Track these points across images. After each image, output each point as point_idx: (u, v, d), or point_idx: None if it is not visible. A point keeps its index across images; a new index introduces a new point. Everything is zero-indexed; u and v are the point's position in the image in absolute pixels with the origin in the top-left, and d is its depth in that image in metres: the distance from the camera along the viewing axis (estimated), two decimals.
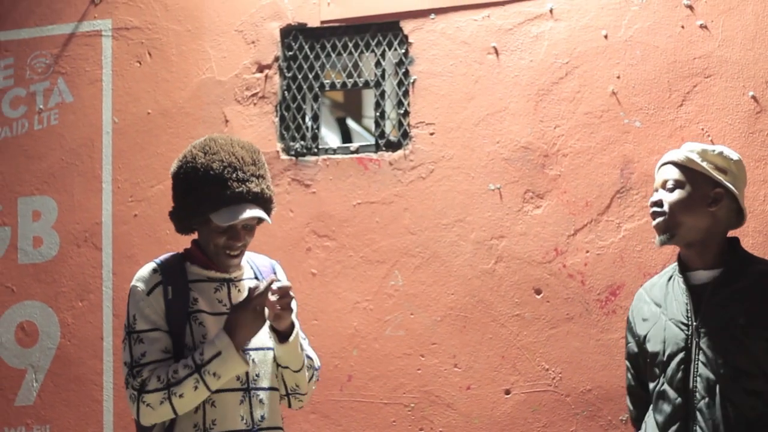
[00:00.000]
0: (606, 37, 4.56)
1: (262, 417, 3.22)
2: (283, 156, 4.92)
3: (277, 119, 4.96)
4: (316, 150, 4.94)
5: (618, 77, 4.53)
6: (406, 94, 4.82)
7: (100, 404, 5.02)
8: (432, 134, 4.73)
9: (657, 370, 3.28)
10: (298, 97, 4.98)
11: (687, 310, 3.22)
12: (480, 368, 4.57)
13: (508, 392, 4.54)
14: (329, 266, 4.79)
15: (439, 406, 4.60)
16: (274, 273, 3.40)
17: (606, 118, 4.53)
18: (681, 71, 4.46)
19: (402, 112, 4.82)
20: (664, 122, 4.46)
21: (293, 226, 4.86)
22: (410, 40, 4.82)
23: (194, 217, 3.17)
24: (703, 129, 4.39)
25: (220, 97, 5.04)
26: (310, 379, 3.40)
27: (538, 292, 4.54)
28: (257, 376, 3.23)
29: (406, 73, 4.83)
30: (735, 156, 3.31)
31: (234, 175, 3.12)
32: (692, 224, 3.23)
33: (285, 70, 5.01)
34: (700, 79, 4.43)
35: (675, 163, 3.30)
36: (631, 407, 3.54)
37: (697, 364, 3.16)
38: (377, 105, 4.94)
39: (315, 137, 4.98)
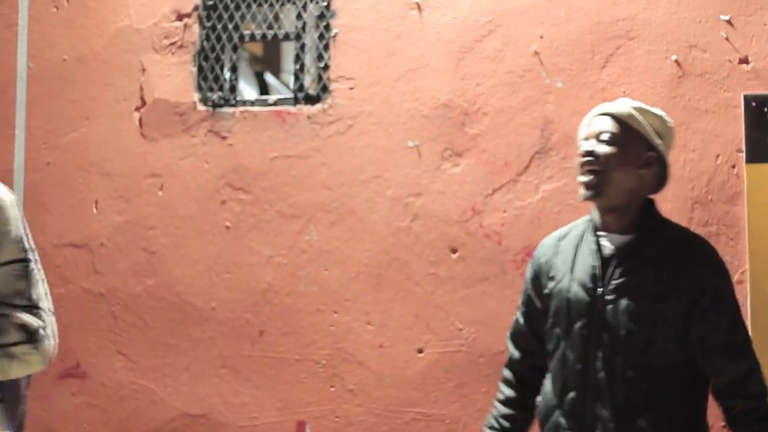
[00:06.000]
0: None
1: None
2: (200, 107, 4.83)
3: (195, 69, 4.87)
4: (233, 101, 4.86)
5: (541, 37, 4.49)
6: (326, 47, 4.75)
7: None
8: (351, 89, 4.67)
9: (558, 331, 3.17)
10: (217, 47, 4.90)
11: (595, 275, 3.10)
12: (393, 326, 4.54)
13: (420, 351, 4.50)
14: (243, 219, 4.72)
15: (351, 364, 4.57)
16: None
17: (528, 78, 4.49)
18: (604, 33, 4.43)
19: (322, 65, 4.75)
20: (586, 84, 4.43)
21: (208, 178, 4.78)
22: None
23: None
24: (624, 92, 4.36)
25: (138, 45, 4.94)
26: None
27: (453, 251, 4.50)
28: None
29: (327, 27, 4.75)
30: (671, 122, 3.17)
31: None
32: (621, 183, 3.06)
33: (204, 20, 4.91)
34: (623, 41, 4.40)
35: (614, 116, 3.11)
36: (515, 351, 3.37)
37: (601, 333, 3.05)
38: (297, 58, 4.86)
39: (233, 88, 4.90)
